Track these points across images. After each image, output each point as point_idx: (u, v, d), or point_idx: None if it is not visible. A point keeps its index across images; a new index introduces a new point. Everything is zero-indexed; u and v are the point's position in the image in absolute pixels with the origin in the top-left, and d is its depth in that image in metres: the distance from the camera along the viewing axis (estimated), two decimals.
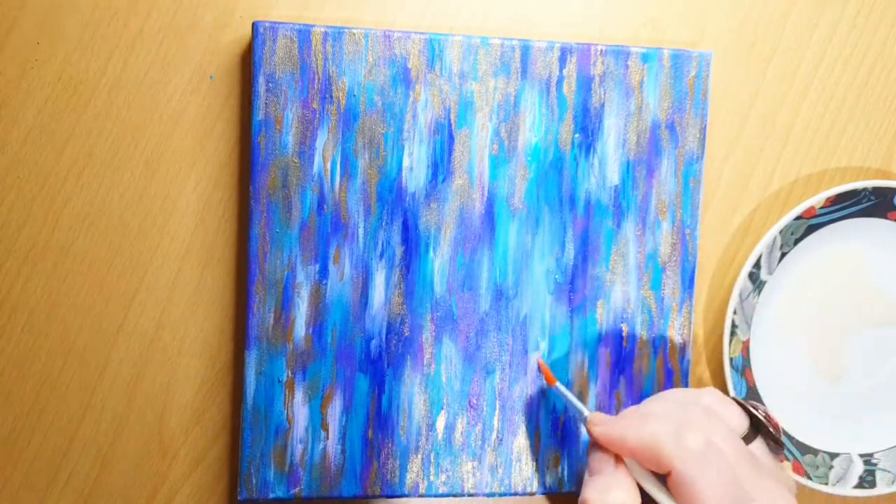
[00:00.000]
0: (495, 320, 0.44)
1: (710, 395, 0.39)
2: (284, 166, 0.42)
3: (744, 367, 0.48)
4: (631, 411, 0.39)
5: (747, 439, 0.38)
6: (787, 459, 0.48)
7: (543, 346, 0.45)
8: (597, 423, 0.39)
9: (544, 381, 0.45)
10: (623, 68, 0.45)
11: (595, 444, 0.39)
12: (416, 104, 0.43)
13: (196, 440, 0.45)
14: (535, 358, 0.45)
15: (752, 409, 0.39)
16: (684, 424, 0.36)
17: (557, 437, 0.45)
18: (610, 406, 0.46)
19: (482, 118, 0.44)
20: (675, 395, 0.40)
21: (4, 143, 0.42)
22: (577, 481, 0.46)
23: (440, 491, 0.45)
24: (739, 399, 0.40)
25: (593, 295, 0.45)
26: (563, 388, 0.43)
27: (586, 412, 0.41)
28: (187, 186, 0.44)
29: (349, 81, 0.42)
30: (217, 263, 0.44)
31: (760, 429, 0.39)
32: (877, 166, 0.50)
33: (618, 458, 0.38)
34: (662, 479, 0.37)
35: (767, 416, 0.39)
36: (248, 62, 0.44)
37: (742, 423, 0.38)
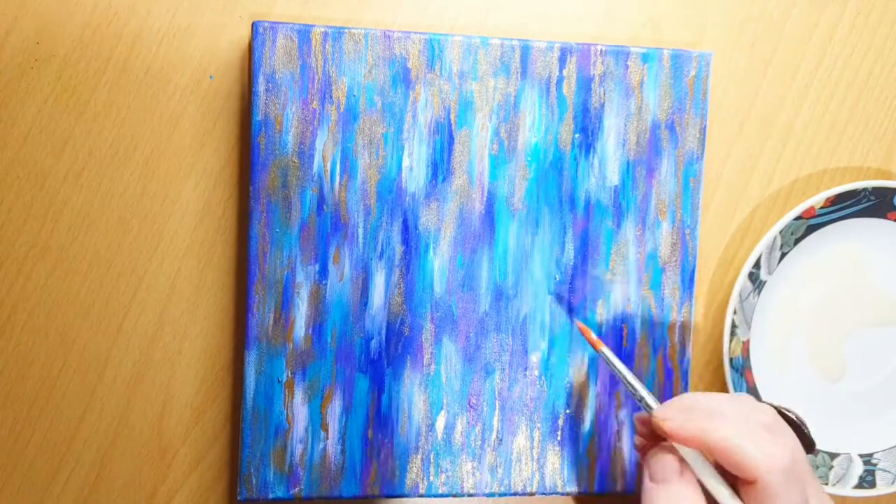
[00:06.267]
0: (495, 320, 0.44)
1: (747, 400, 0.38)
2: (284, 166, 0.42)
3: (744, 367, 0.48)
4: (695, 405, 0.37)
5: None
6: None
7: (543, 345, 0.45)
8: (668, 417, 0.37)
9: (590, 347, 0.43)
10: (623, 68, 0.45)
11: (656, 445, 0.38)
12: (416, 104, 0.43)
13: (196, 440, 0.45)
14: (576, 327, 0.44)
15: (786, 412, 0.38)
16: (769, 430, 0.36)
17: (557, 437, 0.45)
18: (610, 405, 0.46)
19: (482, 118, 0.44)
20: (728, 399, 0.38)
21: (4, 143, 0.42)
22: (577, 481, 0.46)
23: (440, 491, 0.45)
24: (774, 404, 0.39)
25: (593, 295, 0.45)
26: (610, 356, 0.40)
27: (648, 397, 0.39)
28: (187, 186, 0.44)
29: (349, 81, 0.42)
30: (217, 263, 0.44)
31: (795, 432, 0.38)
32: (877, 166, 0.50)
33: (682, 463, 0.37)
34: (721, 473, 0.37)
35: (801, 420, 0.38)
36: (248, 62, 0.44)
37: None
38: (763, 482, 0.35)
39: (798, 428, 0.38)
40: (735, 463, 0.35)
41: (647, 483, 0.38)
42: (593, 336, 0.42)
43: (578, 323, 0.44)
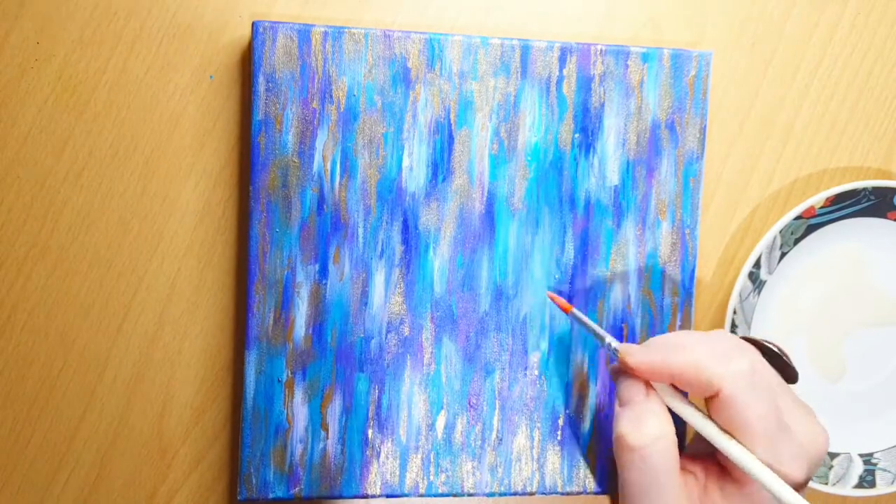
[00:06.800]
0: (495, 320, 0.44)
1: (714, 332, 0.39)
2: (284, 166, 0.42)
3: None
4: (658, 341, 0.38)
5: None
6: None
7: (543, 345, 0.45)
8: (631, 352, 0.38)
9: (560, 310, 0.44)
10: (623, 68, 0.45)
11: (623, 372, 0.39)
12: (416, 104, 0.43)
13: (196, 440, 0.45)
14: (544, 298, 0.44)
15: (764, 343, 0.38)
16: (728, 349, 0.36)
17: (557, 437, 0.45)
18: (610, 405, 0.46)
19: (482, 118, 0.44)
20: (689, 332, 0.39)
21: (4, 143, 0.42)
22: (577, 481, 0.46)
23: (440, 491, 0.45)
24: (750, 337, 0.39)
25: (593, 295, 0.45)
26: (580, 315, 0.42)
27: (612, 341, 0.40)
28: (187, 186, 0.44)
29: (349, 81, 0.42)
30: (217, 263, 0.44)
31: (774, 362, 0.38)
32: (877, 166, 0.50)
33: (647, 385, 0.38)
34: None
35: (781, 350, 0.38)
36: (248, 62, 0.44)
37: None
38: (724, 391, 0.35)
39: (778, 358, 0.38)
40: (695, 381, 0.36)
41: (616, 408, 0.39)
42: (563, 301, 0.43)
43: (549, 293, 0.44)
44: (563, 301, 0.43)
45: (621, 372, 0.40)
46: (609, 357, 0.40)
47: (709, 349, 0.36)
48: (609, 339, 0.40)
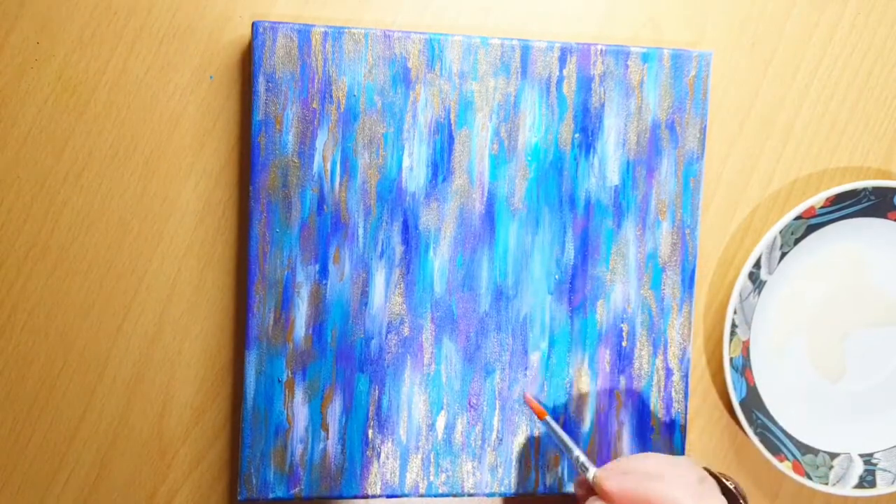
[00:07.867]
0: (495, 320, 0.44)
1: (682, 461, 0.40)
2: (284, 166, 0.42)
3: (744, 367, 0.48)
4: (630, 466, 0.40)
5: None
6: (787, 459, 0.48)
7: (543, 345, 0.45)
8: (607, 477, 0.39)
9: (534, 416, 0.45)
10: (623, 68, 0.45)
11: (593, 494, 0.40)
12: (416, 104, 0.43)
13: (196, 440, 0.45)
14: (523, 392, 0.45)
15: (723, 480, 0.40)
16: (696, 483, 0.38)
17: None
18: (610, 405, 0.46)
19: (482, 118, 0.44)
20: (658, 458, 0.40)
21: (4, 143, 0.42)
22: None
23: (440, 491, 0.45)
24: (714, 471, 0.40)
25: (593, 295, 0.45)
26: (553, 425, 0.43)
27: (583, 457, 0.41)
28: (187, 186, 0.44)
29: (349, 81, 0.42)
30: (217, 263, 0.44)
31: (729, 498, 0.40)
32: (877, 166, 0.50)
33: None
34: None
35: (737, 488, 0.40)
36: (248, 62, 0.44)
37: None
38: None
39: (734, 498, 0.40)
40: None
41: None
42: (538, 406, 0.44)
43: (526, 395, 0.45)
44: (538, 406, 0.44)
45: (592, 492, 0.41)
46: (579, 469, 0.41)
47: (682, 483, 0.38)
48: (578, 453, 0.41)
